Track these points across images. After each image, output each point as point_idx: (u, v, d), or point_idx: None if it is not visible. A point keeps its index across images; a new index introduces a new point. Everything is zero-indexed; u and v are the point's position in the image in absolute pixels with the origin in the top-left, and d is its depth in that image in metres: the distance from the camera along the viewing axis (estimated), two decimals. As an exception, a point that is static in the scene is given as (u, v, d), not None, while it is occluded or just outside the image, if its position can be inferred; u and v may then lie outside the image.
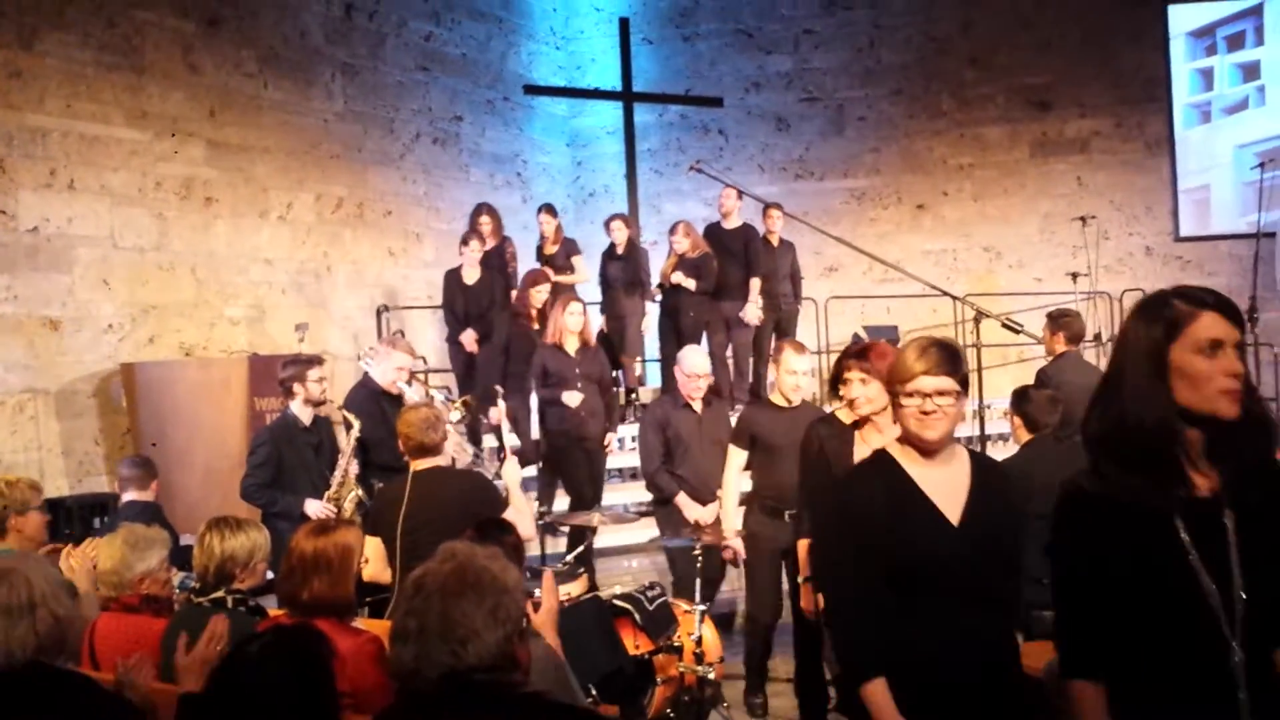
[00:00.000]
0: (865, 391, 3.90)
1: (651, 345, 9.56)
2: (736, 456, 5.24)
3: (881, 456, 2.69)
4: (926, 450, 2.61)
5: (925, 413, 2.56)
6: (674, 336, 8.54)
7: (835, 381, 4.13)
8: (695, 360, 5.83)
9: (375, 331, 9.26)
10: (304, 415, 5.56)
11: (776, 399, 5.18)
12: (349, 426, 5.45)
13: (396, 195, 10.35)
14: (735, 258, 8.80)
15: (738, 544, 5.21)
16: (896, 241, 11.93)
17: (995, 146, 12.13)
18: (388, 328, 9.31)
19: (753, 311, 8.80)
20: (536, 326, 7.32)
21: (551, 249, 8.93)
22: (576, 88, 12.23)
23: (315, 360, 5.72)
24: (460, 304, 8.21)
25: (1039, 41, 11.89)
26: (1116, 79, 11.84)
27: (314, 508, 5.24)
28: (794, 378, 5.04)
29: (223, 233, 8.65)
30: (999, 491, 2.65)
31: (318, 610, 3.03)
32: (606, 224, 9.19)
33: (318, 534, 3.17)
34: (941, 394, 2.56)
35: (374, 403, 5.70)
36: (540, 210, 9.15)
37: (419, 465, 4.41)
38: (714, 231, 9.04)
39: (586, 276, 9.13)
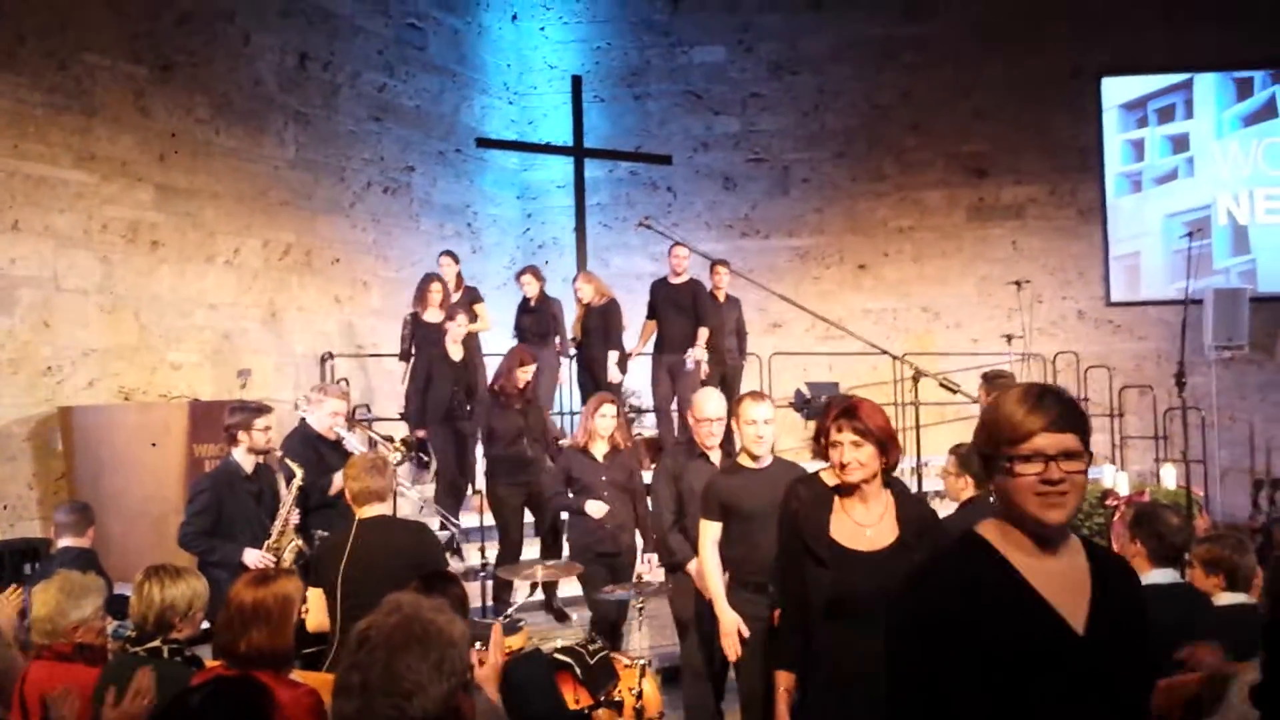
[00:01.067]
0: (858, 455, 3.35)
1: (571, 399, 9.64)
2: (710, 531, 4.53)
3: (972, 541, 2.00)
4: (1043, 535, 1.93)
5: (1050, 483, 1.88)
6: (593, 388, 8.58)
7: (820, 439, 3.64)
8: (708, 403, 5.11)
9: (319, 379, 9.23)
10: (246, 463, 5.51)
11: (744, 460, 4.58)
12: (290, 475, 5.42)
13: (345, 243, 10.36)
14: (684, 312, 8.92)
15: (735, 642, 4.39)
16: (839, 300, 12.15)
17: (934, 210, 12.45)
18: (332, 375, 9.28)
19: (696, 353, 8.89)
20: (518, 406, 7.11)
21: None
22: (528, 142, 12.37)
23: (263, 409, 5.67)
24: (446, 384, 7.96)
25: (977, 110, 12.27)
26: (1051, 148, 12.24)
27: (252, 557, 5.18)
28: (754, 428, 4.49)
29: (168, 277, 8.60)
30: (1125, 591, 2.02)
31: (256, 662, 2.98)
32: (517, 277, 9.21)
33: (257, 584, 3.13)
34: (1069, 457, 1.90)
35: (310, 448, 5.71)
36: (441, 255, 9.28)
37: (364, 513, 4.40)
38: (662, 286, 9.16)
39: (488, 325, 9.19)
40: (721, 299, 9.35)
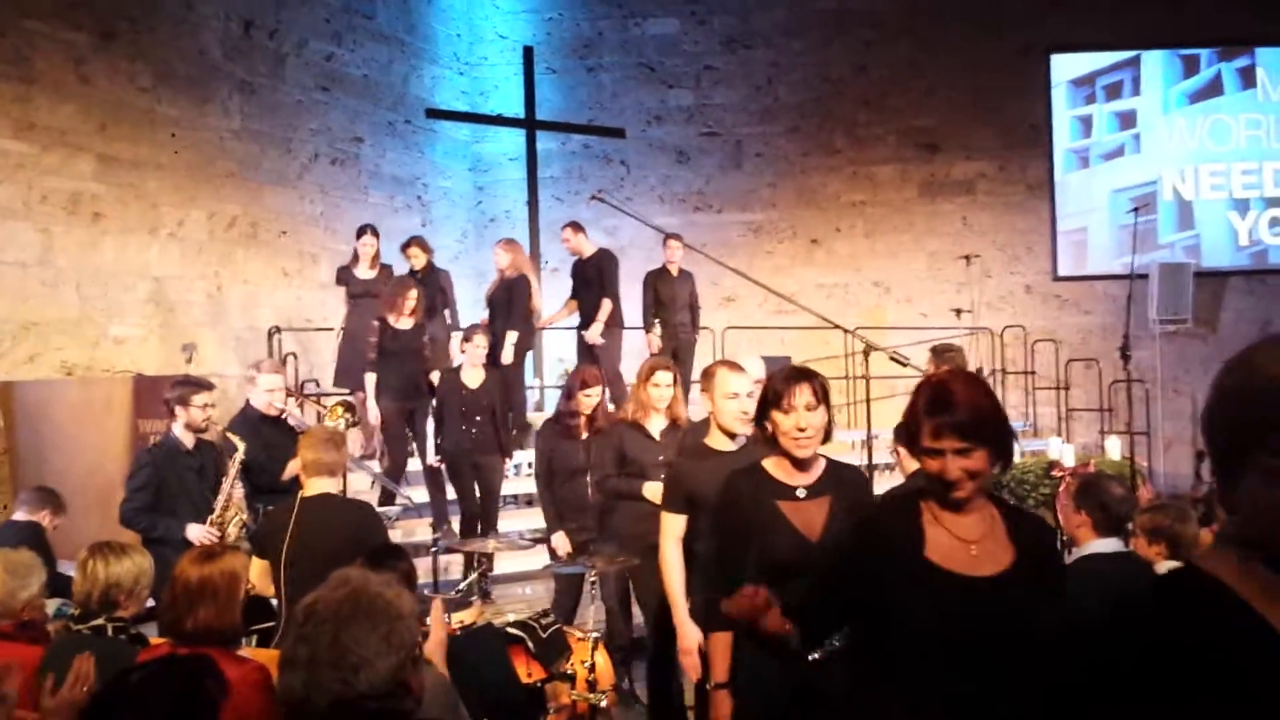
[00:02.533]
0: (967, 465, 2.28)
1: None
2: (673, 525, 3.89)
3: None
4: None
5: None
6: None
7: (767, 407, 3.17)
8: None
9: (267, 353, 9.10)
10: (186, 438, 5.46)
11: (715, 440, 3.98)
12: (232, 449, 5.39)
13: (292, 215, 10.21)
14: (590, 285, 8.93)
15: (695, 660, 3.69)
16: (791, 274, 12.19)
17: (886, 185, 12.51)
18: (280, 349, 9.16)
19: (594, 330, 8.80)
20: (585, 435, 5.91)
21: (369, 272, 8.60)
22: (479, 113, 12.25)
23: (204, 385, 5.60)
24: (455, 403, 7.23)
25: (929, 86, 12.32)
26: (1001, 124, 12.34)
27: (196, 532, 5.15)
28: (737, 402, 3.90)
29: (110, 249, 8.43)
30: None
31: (203, 639, 2.95)
32: (403, 249, 8.89)
33: (203, 561, 3.08)
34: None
35: (253, 428, 5.66)
36: (364, 232, 8.65)
37: (310, 490, 4.37)
38: (576, 264, 9.19)
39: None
40: (675, 273, 9.34)
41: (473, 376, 7.22)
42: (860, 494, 3.24)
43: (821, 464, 3.18)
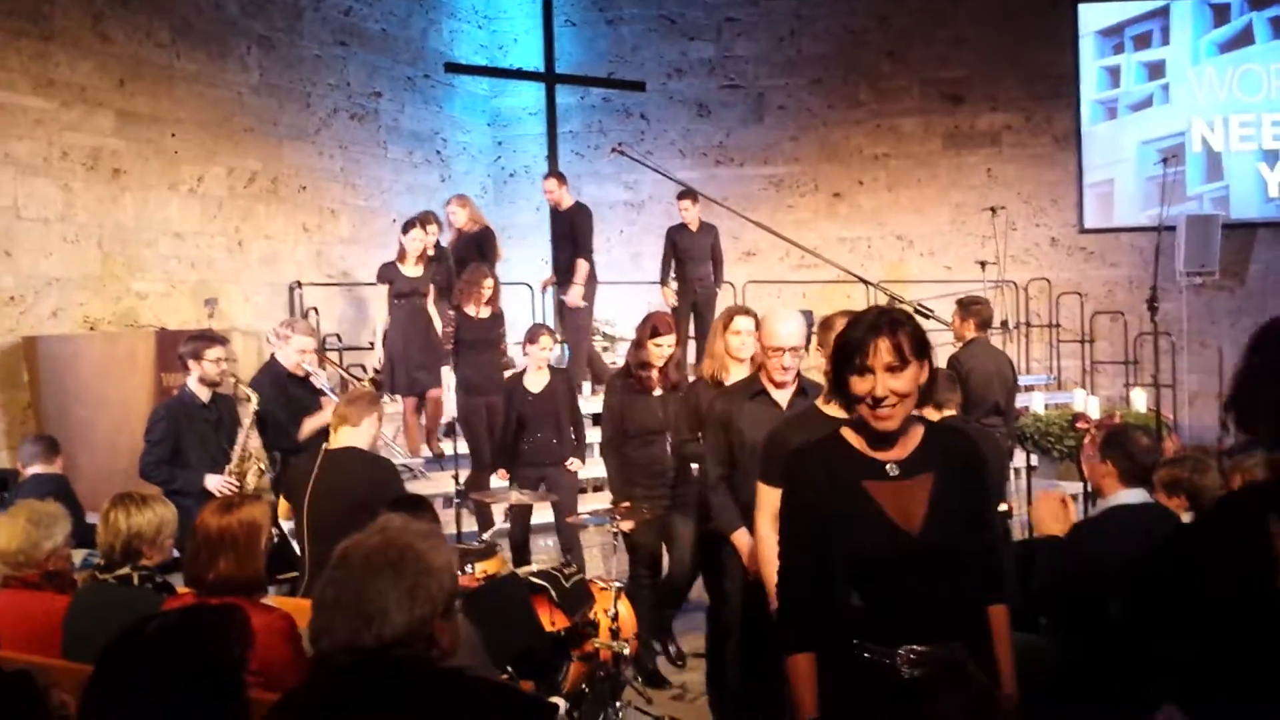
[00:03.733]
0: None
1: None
2: (770, 500, 3.30)
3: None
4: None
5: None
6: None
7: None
8: (783, 325, 3.94)
9: (288, 308, 9.12)
10: (201, 392, 5.51)
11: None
12: (247, 400, 5.48)
13: (312, 171, 10.17)
14: (564, 240, 8.92)
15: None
16: (813, 228, 12.08)
17: (910, 138, 12.35)
18: (301, 304, 9.17)
19: (575, 294, 8.75)
20: (659, 391, 5.63)
21: (416, 269, 8.01)
22: (498, 67, 12.13)
23: (217, 339, 5.65)
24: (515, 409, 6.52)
25: (953, 37, 12.12)
26: (1027, 75, 12.13)
27: (214, 482, 5.24)
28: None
29: (131, 205, 8.43)
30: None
31: (225, 589, 2.97)
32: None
33: (223, 511, 3.10)
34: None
35: (279, 387, 5.70)
36: (413, 225, 8.02)
37: (334, 443, 4.41)
38: (553, 216, 9.17)
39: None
40: (695, 228, 9.28)
41: (536, 380, 6.45)
42: (970, 467, 2.54)
43: (918, 431, 2.51)
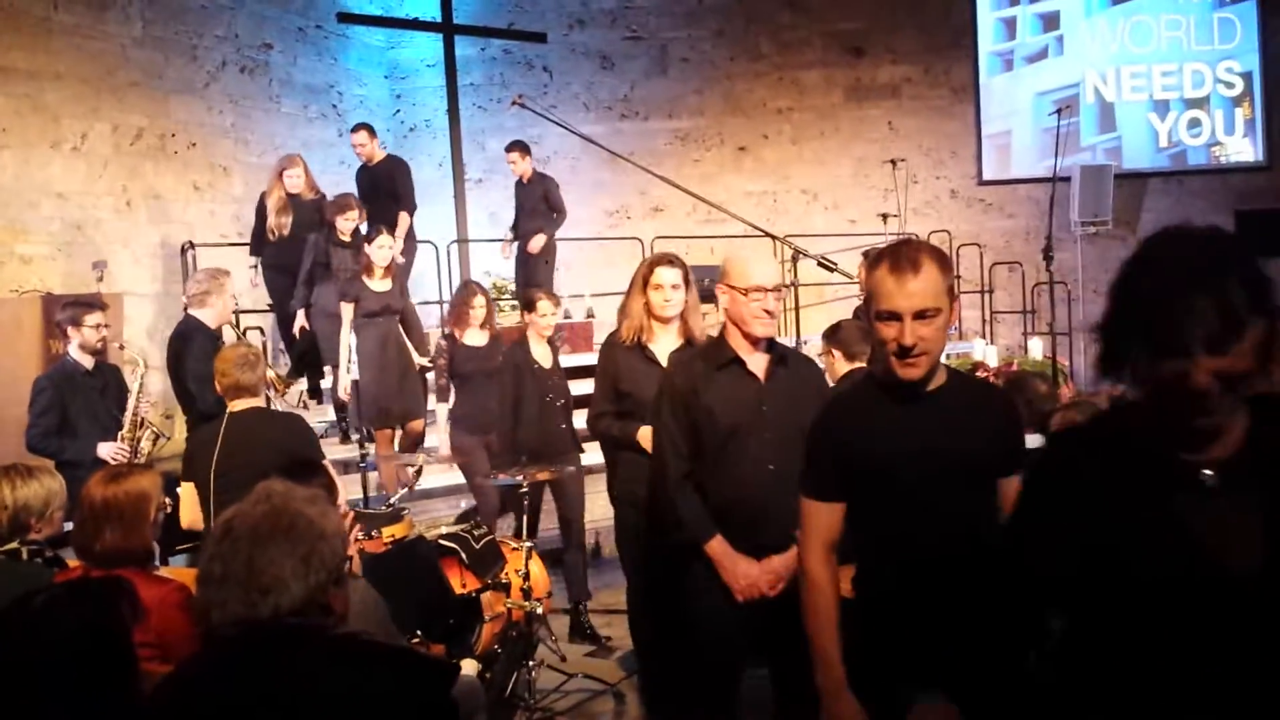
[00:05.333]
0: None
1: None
2: (822, 521, 2.43)
3: None
4: None
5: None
6: (281, 295, 7.94)
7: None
8: (759, 265, 3.20)
9: (180, 270, 8.81)
10: (84, 359, 5.37)
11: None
12: (135, 366, 5.34)
13: (201, 126, 9.80)
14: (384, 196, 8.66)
15: None
16: (719, 182, 12.08)
17: (812, 90, 12.39)
18: (194, 265, 8.85)
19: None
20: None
21: (384, 284, 6.78)
22: (394, 17, 11.78)
23: (96, 305, 5.49)
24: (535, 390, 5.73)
25: (854, -14, 12.17)
26: (926, 27, 12.25)
27: (106, 450, 5.13)
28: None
29: (10, 165, 8.02)
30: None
31: (113, 561, 2.93)
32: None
33: (109, 482, 3.05)
34: None
35: (211, 344, 5.39)
36: (378, 232, 6.82)
37: (236, 406, 4.27)
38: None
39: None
40: (526, 180, 9.22)
41: (544, 353, 5.69)
42: None
43: (1241, 418, 1.61)
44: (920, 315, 2.26)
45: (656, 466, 3.36)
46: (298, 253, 7.55)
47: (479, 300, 6.17)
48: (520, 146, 9.14)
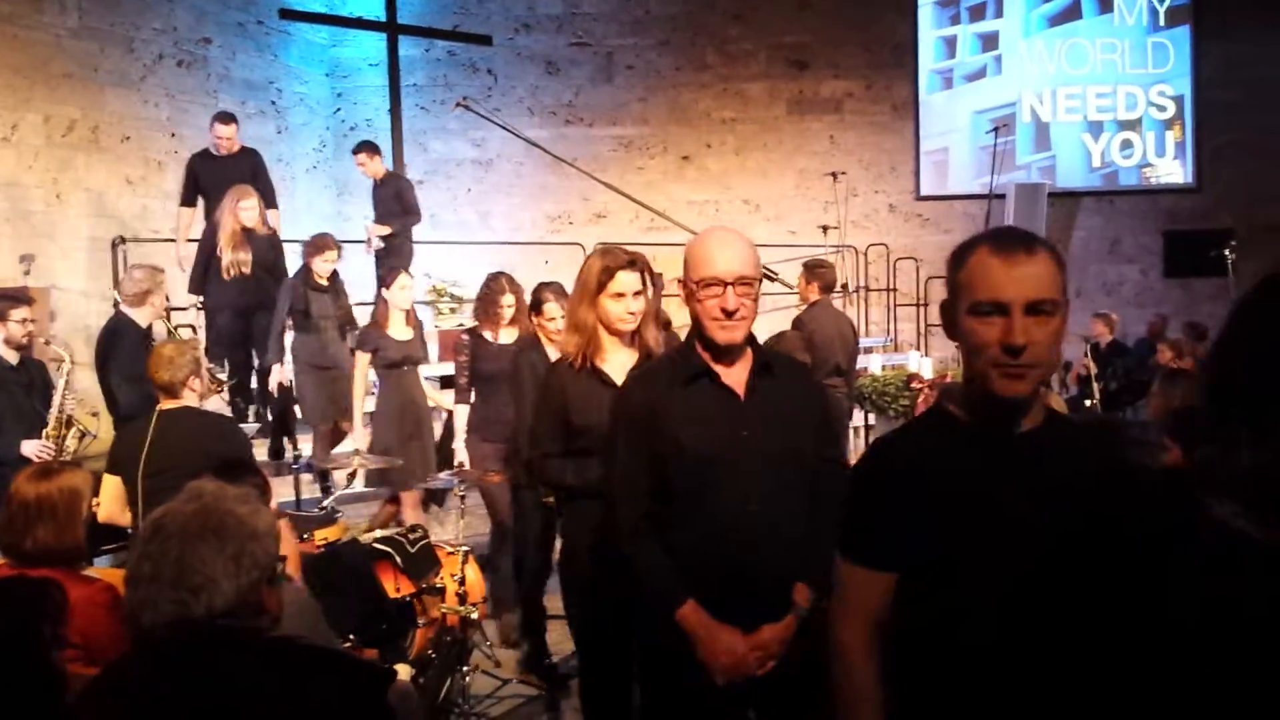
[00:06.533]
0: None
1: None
2: (866, 591, 1.88)
3: None
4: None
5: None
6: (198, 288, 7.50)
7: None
8: (722, 250, 2.54)
9: (111, 265, 8.61)
10: (9, 355, 5.21)
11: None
12: (60, 362, 5.25)
13: (136, 120, 9.60)
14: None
15: None
16: (662, 190, 12.11)
17: (755, 102, 12.50)
18: (125, 261, 8.66)
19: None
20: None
21: (406, 332, 6.25)
22: (337, 15, 11.65)
23: (22, 299, 5.34)
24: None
25: (798, 2, 12.28)
26: (869, 43, 12.42)
27: (31, 448, 4.99)
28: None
29: (-67, 153, 7.82)
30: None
31: (43, 560, 2.87)
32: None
33: (40, 478, 2.99)
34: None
35: (141, 342, 5.32)
36: (395, 271, 6.37)
37: (166, 405, 4.19)
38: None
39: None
40: (378, 180, 8.71)
41: (556, 356, 4.66)
42: None
43: None
44: (1033, 309, 1.68)
45: (607, 513, 2.70)
46: (259, 295, 6.97)
47: (507, 299, 5.55)
48: (368, 147, 8.62)
